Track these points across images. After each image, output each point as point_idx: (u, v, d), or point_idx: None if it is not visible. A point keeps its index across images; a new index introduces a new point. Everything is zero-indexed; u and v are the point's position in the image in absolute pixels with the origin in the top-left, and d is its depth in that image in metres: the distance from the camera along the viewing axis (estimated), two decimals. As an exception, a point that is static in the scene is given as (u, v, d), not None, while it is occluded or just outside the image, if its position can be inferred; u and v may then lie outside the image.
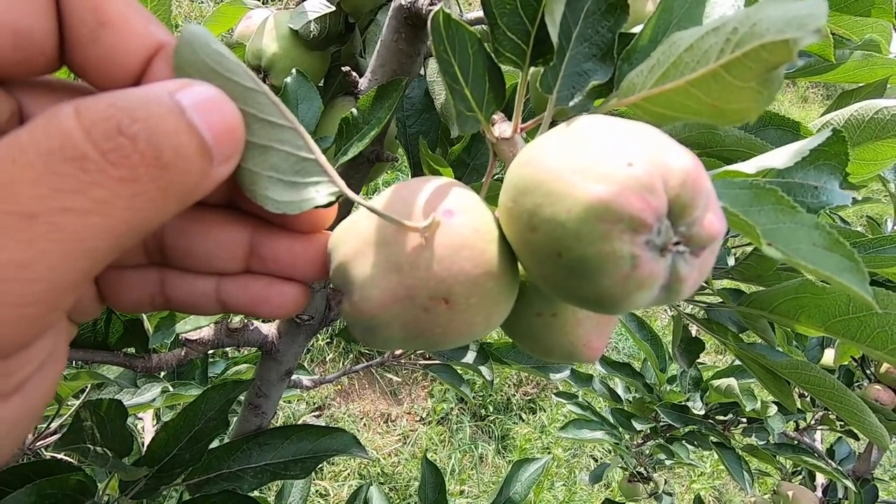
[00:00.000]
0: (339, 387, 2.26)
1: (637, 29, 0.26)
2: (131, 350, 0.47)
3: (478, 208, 0.23)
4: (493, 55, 0.25)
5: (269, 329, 0.52)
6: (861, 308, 0.35)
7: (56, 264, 0.16)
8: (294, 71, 0.44)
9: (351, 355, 2.27)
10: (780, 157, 0.23)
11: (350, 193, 0.23)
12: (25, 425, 0.19)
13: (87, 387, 0.64)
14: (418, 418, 2.30)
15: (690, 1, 0.25)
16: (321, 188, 0.23)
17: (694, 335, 0.60)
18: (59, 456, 0.67)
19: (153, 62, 0.20)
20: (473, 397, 2.39)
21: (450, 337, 0.23)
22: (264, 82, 0.58)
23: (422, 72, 0.48)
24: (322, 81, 0.62)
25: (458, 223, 0.22)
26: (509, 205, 0.21)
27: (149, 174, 0.17)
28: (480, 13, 0.52)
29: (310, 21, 0.54)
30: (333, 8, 0.54)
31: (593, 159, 0.19)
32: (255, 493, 0.56)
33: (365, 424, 2.21)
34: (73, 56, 0.19)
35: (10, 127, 0.19)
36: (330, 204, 0.23)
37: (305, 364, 2.13)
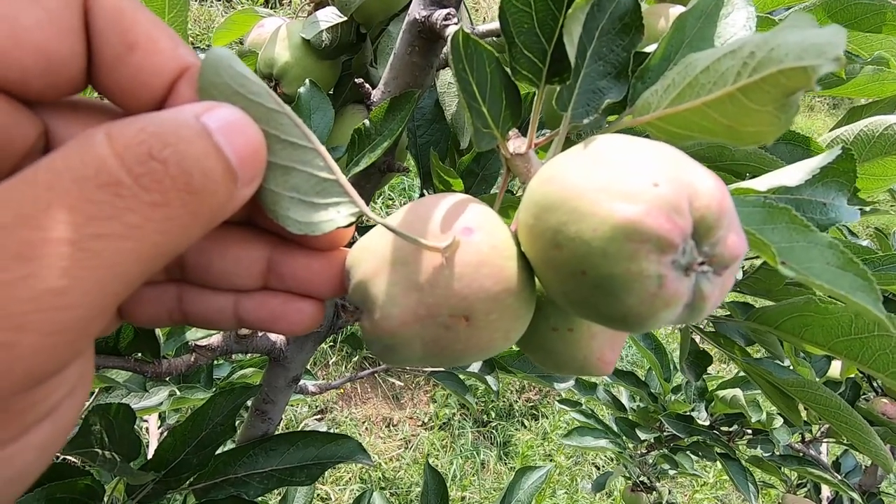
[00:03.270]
0: (342, 391, 2.26)
1: (651, 48, 0.26)
2: (141, 355, 0.47)
3: (495, 225, 0.23)
4: (509, 73, 0.26)
5: (278, 336, 0.52)
6: (864, 329, 0.36)
7: (89, 290, 0.16)
8: (307, 81, 0.44)
9: (354, 359, 2.27)
10: (792, 174, 0.24)
11: (371, 214, 0.23)
12: (55, 448, 0.19)
13: (95, 390, 0.64)
14: (420, 423, 2.29)
15: (703, 20, 0.25)
16: (342, 209, 0.23)
17: (701, 347, 0.60)
18: (66, 457, 0.67)
19: (178, 84, 0.20)
20: (476, 403, 2.38)
21: (469, 353, 0.23)
22: (276, 90, 0.59)
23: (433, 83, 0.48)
24: (332, 90, 0.62)
25: (477, 241, 0.22)
26: (531, 222, 0.22)
27: (179, 198, 0.17)
28: (492, 25, 0.52)
29: (322, 31, 0.54)
30: (345, 18, 0.55)
31: (619, 179, 0.19)
32: (259, 497, 0.57)
33: (367, 429, 2.21)
34: (100, 77, 0.20)
35: (38, 147, 0.20)
36: (350, 224, 0.23)
37: (309, 367, 2.14)
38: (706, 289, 0.19)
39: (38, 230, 0.15)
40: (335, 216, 0.23)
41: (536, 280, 0.24)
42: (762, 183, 0.25)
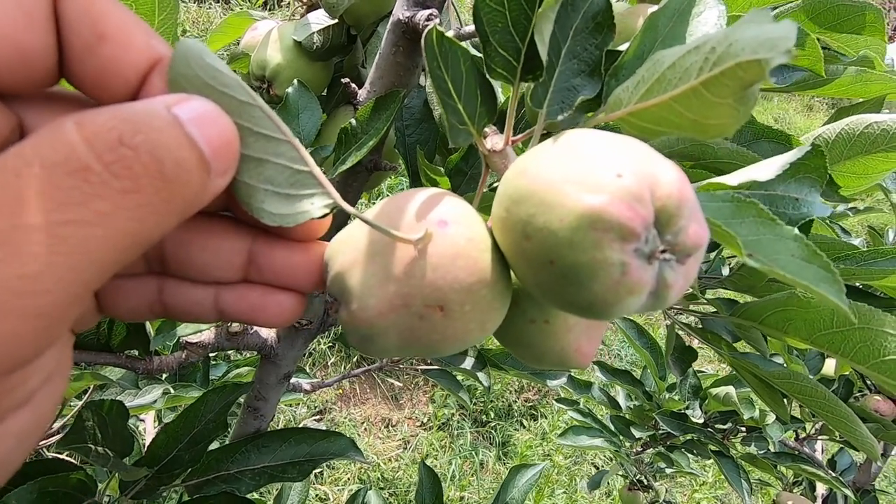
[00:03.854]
0: (341, 391, 2.27)
1: (625, 46, 0.26)
2: (133, 352, 0.48)
3: (470, 218, 0.24)
4: (485, 71, 0.26)
5: (269, 333, 0.53)
6: (844, 323, 0.36)
7: (62, 276, 0.16)
8: (295, 81, 0.45)
9: (353, 360, 2.28)
10: (764, 170, 0.24)
11: (345, 205, 0.24)
12: (34, 437, 0.19)
13: (89, 388, 0.64)
14: (419, 423, 2.30)
15: (675, 19, 0.26)
16: (316, 200, 0.23)
17: (688, 344, 0.61)
18: (61, 455, 0.68)
19: (150, 76, 0.20)
20: (474, 403, 2.39)
21: (445, 344, 0.23)
22: (268, 92, 0.59)
23: (422, 82, 0.49)
24: (325, 91, 0.63)
25: (451, 233, 0.23)
26: (503, 214, 0.22)
27: (152, 185, 0.17)
28: (479, 25, 0.53)
29: (313, 33, 0.55)
30: (336, 20, 0.55)
31: (584, 171, 0.20)
32: (254, 496, 0.57)
33: (366, 429, 2.22)
34: (72, 69, 0.20)
35: (12, 141, 0.20)
36: (325, 216, 0.24)
37: (307, 368, 2.14)
38: (669, 277, 0.20)
39: (7, 217, 0.15)
40: (310, 207, 0.23)
41: (512, 273, 0.25)
42: (734, 178, 0.25)
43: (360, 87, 0.44)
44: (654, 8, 0.41)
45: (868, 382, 1.00)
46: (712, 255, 0.57)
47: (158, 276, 0.25)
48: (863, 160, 0.46)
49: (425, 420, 2.30)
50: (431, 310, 0.22)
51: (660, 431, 1.14)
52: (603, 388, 1.23)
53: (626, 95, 0.24)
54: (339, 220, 0.41)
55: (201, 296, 0.25)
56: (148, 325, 0.47)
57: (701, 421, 1.03)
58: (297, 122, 0.44)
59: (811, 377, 0.46)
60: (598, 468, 2.36)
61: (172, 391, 0.66)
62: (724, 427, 1.06)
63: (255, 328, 0.52)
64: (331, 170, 0.42)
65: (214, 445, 0.55)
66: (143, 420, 0.95)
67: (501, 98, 0.37)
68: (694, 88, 0.20)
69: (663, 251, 0.20)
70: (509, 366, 0.76)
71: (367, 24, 0.57)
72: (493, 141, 0.28)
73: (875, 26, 0.51)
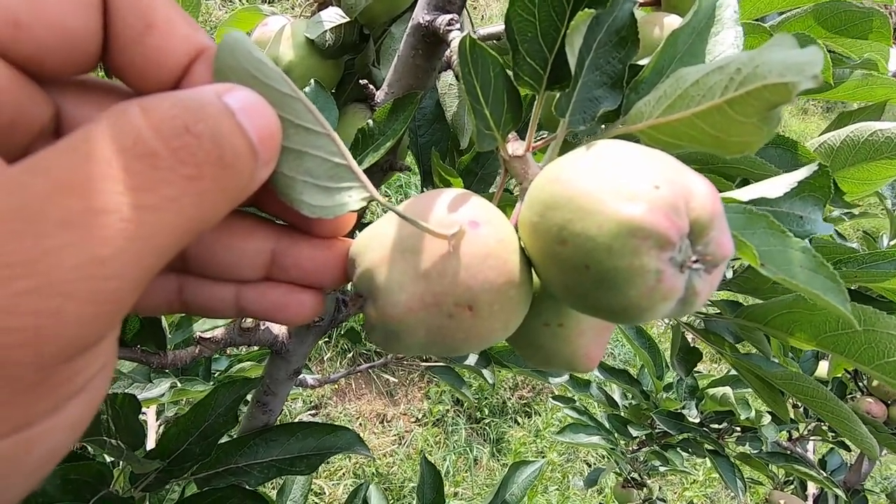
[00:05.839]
0: (336, 386, 2.27)
1: (645, 61, 0.27)
2: (147, 346, 0.48)
3: (500, 220, 0.24)
4: (512, 78, 0.27)
5: (280, 329, 0.54)
6: (850, 325, 0.37)
7: (128, 262, 0.16)
8: (312, 81, 0.46)
9: (349, 355, 2.29)
10: (773, 187, 0.25)
11: (382, 200, 0.24)
12: (85, 425, 0.19)
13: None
14: (414, 419, 2.31)
15: (694, 37, 0.27)
16: (353, 193, 0.24)
17: (691, 344, 0.62)
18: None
19: (194, 66, 0.20)
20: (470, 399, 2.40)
21: (470, 342, 0.24)
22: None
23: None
24: (335, 89, 0.63)
25: (483, 234, 0.23)
26: (535, 219, 0.23)
27: (212, 173, 0.17)
28: (492, 29, 0.53)
29: (325, 31, 0.55)
30: (349, 18, 0.56)
31: (622, 180, 0.21)
32: (259, 486, 0.58)
33: (361, 424, 2.23)
34: (116, 57, 0.19)
35: (51, 128, 0.20)
36: (362, 209, 0.24)
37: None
38: (698, 285, 0.21)
39: (78, 199, 0.15)
40: (348, 200, 0.24)
41: (533, 275, 0.25)
42: (745, 194, 0.26)
43: (371, 86, 0.45)
44: (670, 17, 0.42)
45: (860, 385, 1.02)
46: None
47: (179, 274, 0.25)
48: (866, 167, 0.47)
49: (420, 416, 2.31)
50: (461, 309, 0.22)
51: (656, 430, 1.16)
52: (601, 387, 1.25)
53: (648, 109, 0.25)
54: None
55: (222, 293, 0.25)
56: (163, 319, 0.48)
57: (697, 420, 1.05)
58: (314, 123, 0.45)
59: (809, 377, 0.47)
60: (590, 466, 2.39)
61: (179, 385, 0.67)
62: (720, 427, 1.08)
63: (267, 324, 0.52)
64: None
65: (224, 440, 0.56)
66: (144, 413, 0.95)
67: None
68: (718, 106, 0.21)
69: (695, 261, 0.21)
70: (512, 363, 0.77)
71: (379, 24, 0.58)
72: (514, 147, 0.29)
73: (881, 31, 0.52)
